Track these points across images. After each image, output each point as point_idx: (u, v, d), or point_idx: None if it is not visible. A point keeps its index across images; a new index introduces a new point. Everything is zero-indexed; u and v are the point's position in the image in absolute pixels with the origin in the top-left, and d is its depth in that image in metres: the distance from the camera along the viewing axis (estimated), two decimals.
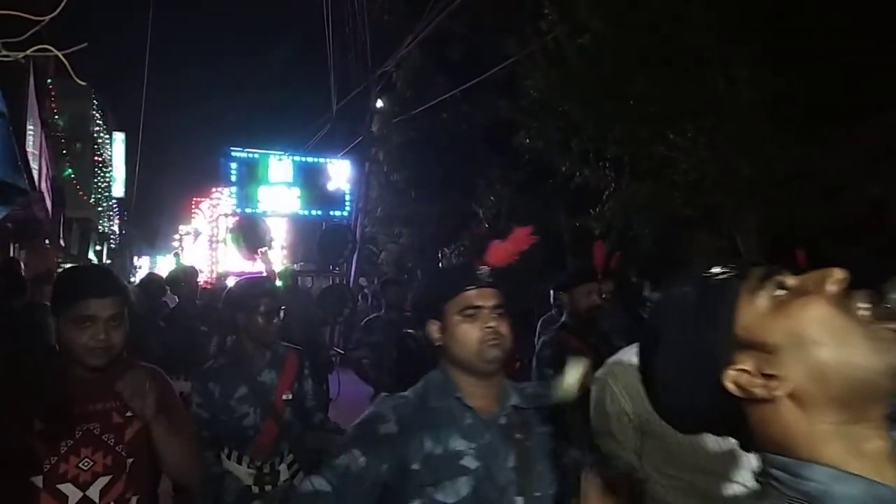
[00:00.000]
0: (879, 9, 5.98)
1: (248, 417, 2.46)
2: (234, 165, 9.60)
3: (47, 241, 12.24)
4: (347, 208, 10.28)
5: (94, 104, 16.35)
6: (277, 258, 10.89)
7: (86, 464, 1.62)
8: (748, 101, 6.46)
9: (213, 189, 14.65)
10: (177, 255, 22.15)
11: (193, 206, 16.24)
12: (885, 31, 6.09)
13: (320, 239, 9.87)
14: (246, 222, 8.22)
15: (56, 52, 0.99)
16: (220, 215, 12.69)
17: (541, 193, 10.66)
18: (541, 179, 9.79)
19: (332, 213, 10.30)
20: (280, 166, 9.98)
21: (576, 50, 6.60)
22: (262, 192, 9.76)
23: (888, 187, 8.66)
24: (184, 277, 5.50)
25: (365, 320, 4.99)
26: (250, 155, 9.87)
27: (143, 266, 27.35)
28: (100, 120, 17.47)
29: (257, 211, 9.48)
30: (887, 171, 8.30)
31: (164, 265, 28.54)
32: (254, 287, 2.65)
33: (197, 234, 16.04)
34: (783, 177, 6.60)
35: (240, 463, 2.48)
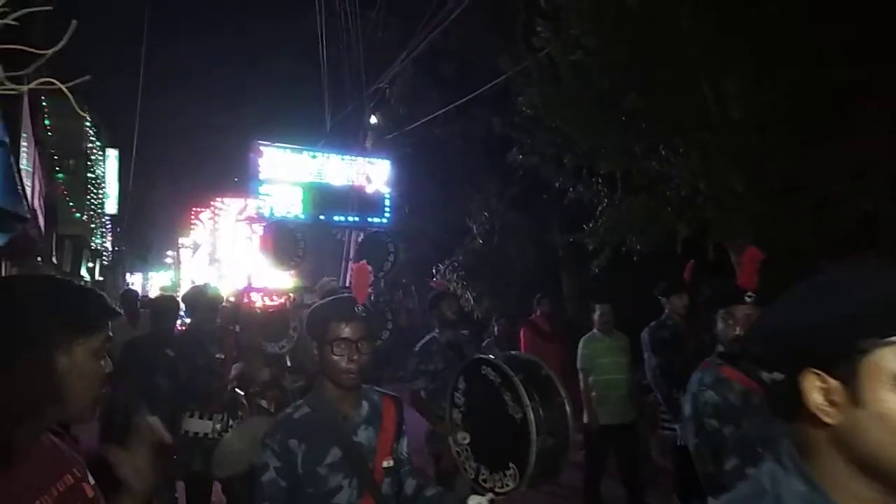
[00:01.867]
0: (865, 25, 6.08)
1: (341, 493, 1.88)
2: (261, 162, 7.89)
3: (39, 259, 12.17)
4: (387, 214, 8.71)
5: (87, 121, 16.37)
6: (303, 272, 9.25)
7: None
8: (738, 116, 6.53)
9: (214, 198, 13.72)
10: (173, 268, 21.86)
11: (193, 217, 15.77)
12: (870, 47, 6.19)
13: (359, 249, 8.43)
14: (277, 229, 7.47)
15: (60, 85, 1.01)
16: (243, 221, 11.31)
17: (535, 209, 10.70)
18: (535, 195, 9.84)
19: (370, 219, 8.65)
20: (313, 164, 8.26)
21: (568, 66, 6.66)
22: (292, 194, 8.06)
23: (879, 201, 8.75)
24: (203, 297, 4.62)
25: (420, 345, 4.33)
26: (282, 148, 8.14)
27: (135, 283, 27.17)
28: (93, 137, 17.48)
29: (287, 216, 7.90)
30: (878, 185, 8.40)
31: (157, 281, 28.34)
32: (331, 310, 2.00)
33: (196, 246, 15.60)
34: (775, 191, 6.66)
35: None
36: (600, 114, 6.69)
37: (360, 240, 9.13)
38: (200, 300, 4.50)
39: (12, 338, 1.15)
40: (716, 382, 2.31)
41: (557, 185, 7.89)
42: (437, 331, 4.33)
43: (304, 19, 12.73)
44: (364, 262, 1.94)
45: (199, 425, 3.80)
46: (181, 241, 17.58)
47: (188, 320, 5.22)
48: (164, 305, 4.69)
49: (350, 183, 8.44)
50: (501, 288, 11.01)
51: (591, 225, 7.62)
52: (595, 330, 5.37)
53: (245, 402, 4.02)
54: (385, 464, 1.96)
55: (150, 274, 31.79)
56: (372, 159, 8.89)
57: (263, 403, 4.07)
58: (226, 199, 12.20)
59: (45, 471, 1.25)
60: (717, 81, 6.48)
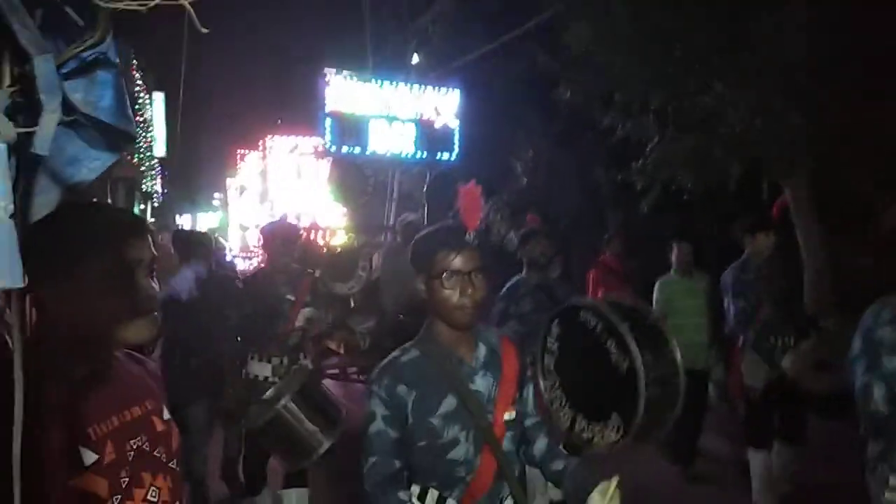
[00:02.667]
0: None
1: (457, 448, 1.69)
2: (328, 92, 7.26)
3: (95, 201, 12.60)
4: (456, 150, 8.08)
5: (133, 64, 16.55)
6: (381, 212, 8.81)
7: (153, 494, 1.23)
8: (795, 58, 6.18)
9: (261, 138, 13.27)
10: (221, 209, 22.17)
11: (239, 159, 15.76)
12: None
13: (429, 186, 7.96)
14: (345, 164, 7.22)
15: (185, 2, 1.01)
16: (310, 155, 10.31)
17: (580, 147, 10.52)
18: (580, 133, 9.65)
19: (439, 155, 7.99)
20: (381, 95, 7.63)
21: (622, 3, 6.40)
22: (362, 127, 7.46)
23: None
24: (276, 234, 4.10)
25: (507, 287, 4.04)
26: (351, 77, 7.50)
27: (184, 224, 27.97)
28: (140, 80, 17.70)
29: (357, 152, 7.41)
30: None
31: (205, 222, 29.07)
32: (438, 239, 1.77)
33: (242, 189, 15.62)
34: (835, 130, 6.37)
35: None
36: (652, 46, 6.44)
37: (432, 177, 8.54)
38: (274, 236, 4.03)
39: (67, 251, 1.12)
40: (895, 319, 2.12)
41: (606, 122, 7.72)
42: (525, 272, 4.03)
43: None
44: (473, 182, 1.77)
45: (258, 368, 3.73)
46: (228, 181, 17.62)
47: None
48: (195, 241, 4.52)
49: (418, 116, 7.86)
50: (546, 227, 10.97)
51: (639, 163, 7.47)
52: (672, 271, 5.04)
53: (311, 346, 3.96)
54: (507, 416, 1.73)
55: (199, 215, 32.54)
56: (442, 89, 8.18)
57: (332, 345, 4.10)
58: (276, 137, 11.78)
59: (108, 398, 1.19)
60: (778, 17, 6.13)
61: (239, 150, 15.64)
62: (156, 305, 1.22)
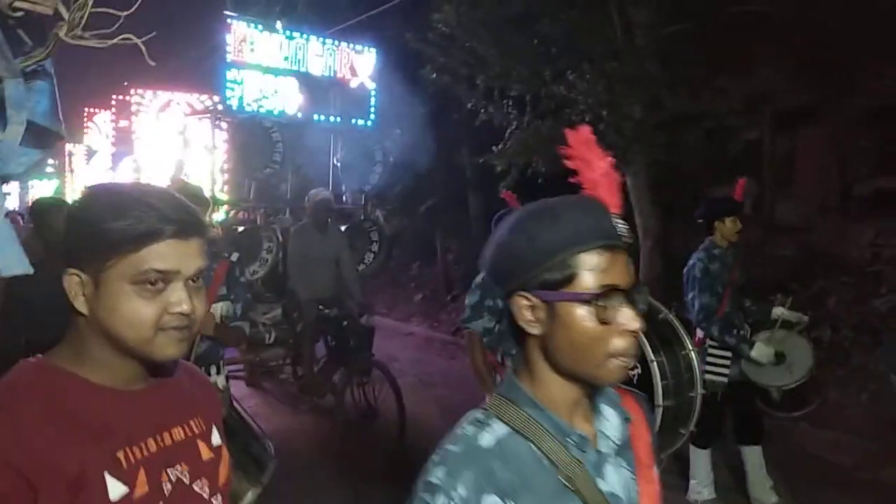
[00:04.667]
0: None
1: None
2: (229, 40, 6.17)
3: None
4: (372, 116, 7.19)
5: None
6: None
7: None
8: (642, 44, 6.78)
9: (118, 94, 11.16)
10: (56, 177, 19.45)
11: (86, 119, 13.86)
12: None
13: (344, 157, 6.89)
14: (249, 126, 6.12)
15: (137, 40, 1.15)
16: (199, 116, 7.68)
17: (445, 128, 10.71)
18: (446, 114, 9.82)
19: (354, 119, 7.01)
20: (289, 48, 6.58)
21: None
22: (265, 85, 6.35)
23: (764, 133, 9.44)
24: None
25: (482, 275, 3.41)
26: (257, 26, 6.40)
27: (11, 193, 25.02)
28: None
29: (263, 112, 6.30)
30: (764, 118, 9.05)
31: (39, 191, 26.17)
32: (569, 222, 1.06)
33: (92, 152, 13.78)
34: (672, 120, 7.05)
35: None
36: (514, 36, 6.72)
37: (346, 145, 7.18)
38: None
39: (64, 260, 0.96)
40: None
41: (469, 105, 7.94)
42: None
43: None
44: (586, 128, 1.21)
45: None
46: (70, 147, 15.54)
47: None
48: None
49: (332, 73, 6.88)
50: (411, 206, 11.12)
51: (499, 146, 7.78)
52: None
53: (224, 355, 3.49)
54: None
55: (30, 184, 29.12)
56: (358, 46, 7.20)
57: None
58: (145, 92, 9.27)
59: (145, 414, 1.00)
60: (626, 10, 6.65)
61: (87, 109, 13.85)
62: (185, 322, 0.97)
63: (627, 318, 0.92)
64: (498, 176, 7.90)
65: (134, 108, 9.62)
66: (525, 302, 0.96)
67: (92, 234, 0.93)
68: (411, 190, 11.30)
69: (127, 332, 0.94)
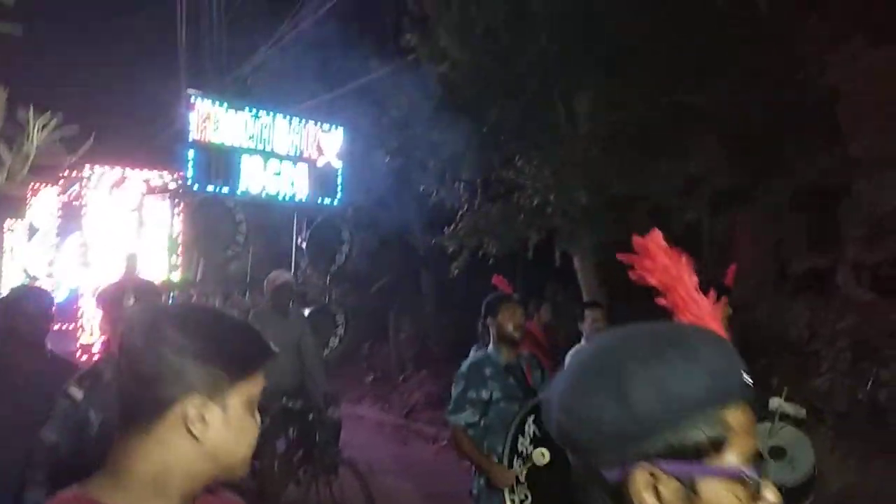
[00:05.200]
0: (703, 57, 6.88)
1: None
2: (191, 118, 6.00)
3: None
4: (339, 195, 7.09)
5: None
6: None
7: None
8: (585, 132, 7.15)
9: (74, 167, 10.52)
10: None
11: (30, 195, 13.30)
12: (706, 77, 7.02)
13: (311, 237, 6.68)
14: (210, 206, 5.86)
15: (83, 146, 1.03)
16: (160, 196, 7.45)
17: (399, 209, 10.89)
18: (399, 195, 10.01)
19: (321, 199, 6.90)
20: (254, 126, 6.45)
21: (436, 76, 6.91)
22: (233, 163, 6.20)
23: (702, 214, 9.92)
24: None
25: (467, 364, 3.30)
26: (221, 104, 6.26)
27: None
28: None
29: (225, 191, 6.08)
30: (702, 200, 9.53)
31: None
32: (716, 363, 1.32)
33: (34, 230, 12.98)
34: (615, 201, 7.35)
35: None
36: (464, 123, 7.00)
37: (311, 228, 7.01)
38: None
39: (157, 385, 0.90)
40: None
41: (422, 188, 8.13)
42: (491, 347, 3.29)
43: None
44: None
45: None
46: (9, 223, 14.80)
47: None
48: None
49: (299, 152, 6.78)
50: (364, 285, 11.10)
51: (451, 228, 7.94)
52: (584, 342, 4.26)
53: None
54: None
55: None
56: (325, 125, 7.16)
57: None
58: (95, 167, 8.66)
59: None
60: (570, 100, 7.04)
61: (32, 184, 13.45)
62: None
63: (773, 495, 0.69)
64: (450, 256, 8.02)
65: (84, 182, 9.15)
66: (648, 478, 0.67)
67: (212, 355, 0.92)
68: (365, 268, 11.31)
69: (246, 451, 0.96)
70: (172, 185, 6.84)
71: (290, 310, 5.23)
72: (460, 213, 7.82)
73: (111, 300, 2.54)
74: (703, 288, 3.38)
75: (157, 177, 9.06)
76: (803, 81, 7.65)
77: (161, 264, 6.21)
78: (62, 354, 3.14)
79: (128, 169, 9.38)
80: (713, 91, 6.91)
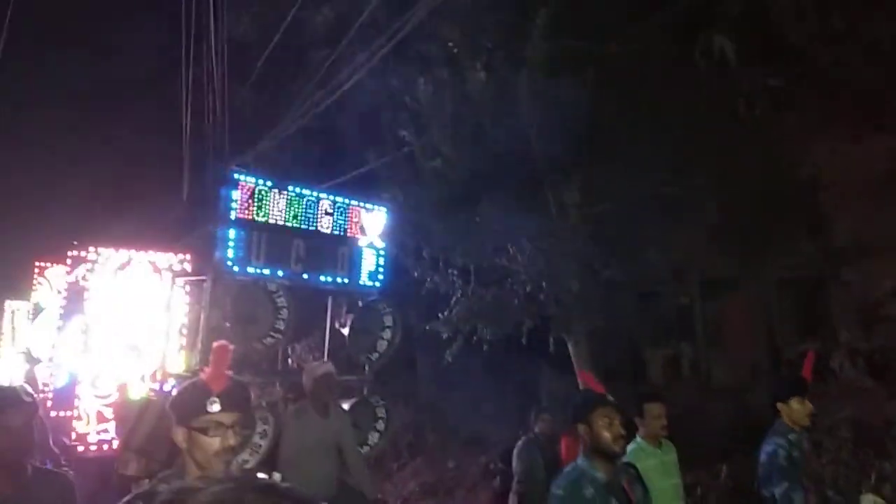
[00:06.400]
0: (676, 151, 7.19)
1: None
2: (234, 197, 5.59)
3: None
4: (381, 276, 6.56)
5: None
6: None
7: None
8: (576, 222, 7.36)
9: (80, 248, 10.13)
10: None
11: (37, 274, 13.09)
12: (687, 166, 7.31)
13: (356, 323, 6.08)
14: (249, 290, 5.35)
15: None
16: (180, 276, 7.11)
17: (394, 295, 10.97)
18: (394, 282, 10.13)
19: (362, 281, 6.36)
20: (297, 205, 6.04)
21: (429, 170, 7.19)
22: (271, 245, 5.74)
23: (693, 298, 10.05)
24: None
25: (565, 478, 2.85)
26: (265, 182, 5.86)
27: None
28: None
29: (266, 273, 5.64)
30: (692, 285, 9.67)
31: None
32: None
33: (39, 310, 12.64)
34: (606, 287, 7.47)
35: None
36: (457, 213, 7.22)
37: (349, 311, 6.42)
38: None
39: None
40: None
41: (416, 274, 8.26)
42: (581, 460, 2.79)
43: (170, 85, 12.46)
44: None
45: None
46: (14, 304, 14.49)
47: None
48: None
49: (342, 232, 6.30)
50: (360, 369, 11.01)
51: (445, 313, 8.00)
52: (640, 439, 3.77)
53: None
54: None
55: None
56: (368, 204, 6.71)
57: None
58: (100, 249, 8.23)
59: None
60: (559, 191, 7.30)
61: (37, 263, 13.40)
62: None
63: None
64: (444, 342, 8.05)
65: (89, 265, 8.98)
66: None
67: None
68: (359, 352, 11.24)
69: None
70: (177, 267, 6.62)
71: (330, 406, 4.69)
72: (454, 298, 7.92)
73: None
74: (787, 385, 3.58)
75: (163, 259, 9.02)
76: (784, 173, 7.97)
77: (167, 348, 5.98)
78: (48, 463, 2.81)
79: (132, 251, 9.28)
80: (694, 183, 7.18)
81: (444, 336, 7.99)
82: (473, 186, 7.05)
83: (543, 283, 7.01)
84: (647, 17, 7.04)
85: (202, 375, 2.04)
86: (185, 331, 5.97)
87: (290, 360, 6.02)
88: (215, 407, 1.88)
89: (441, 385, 7.22)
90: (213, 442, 1.88)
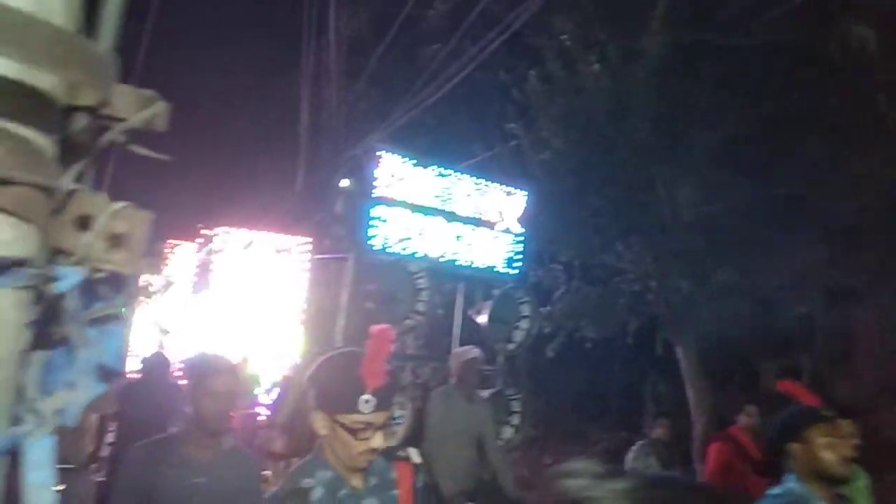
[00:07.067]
0: (805, 148, 6.74)
1: None
2: (377, 174, 5.26)
3: None
4: (518, 263, 6.13)
5: None
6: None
7: None
8: (689, 221, 7.08)
9: (209, 227, 10.51)
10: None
11: (169, 250, 14.21)
12: (809, 169, 6.84)
13: (493, 312, 5.70)
14: (390, 270, 5.19)
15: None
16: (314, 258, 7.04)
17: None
18: None
19: (498, 267, 5.99)
20: (439, 185, 5.72)
21: (537, 163, 7.15)
22: (417, 224, 5.46)
23: (815, 309, 9.37)
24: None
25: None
26: (409, 159, 5.54)
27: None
28: None
29: (407, 254, 5.37)
30: (814, 294, 9.02)
31: None
32: None
33: (168, 283, 13.43)
34: (720, 292, 7.14)
35: None
36: (564, 207, 7.13)
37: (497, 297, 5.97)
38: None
39: None
40: None
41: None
42: (793, 483, 2.29)
43: (287, 84, 13.14)
44: None
45: None
46: (148, 278, 15.60)
47: None
48: None
49: (478, 215, 5.93)
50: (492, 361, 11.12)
51: (547, 308, 7.94)
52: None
53: None
54: None
55: None
56: (507, 187, 6.26)
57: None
58: (230, 230, 8.57)
59: None
60: (672, 188, 7.04)
61: (168, 241, 14.47)
62: None
63: None
64: (546, 337, 8.00)
65: (216, 244, 9.48)
66: None
67: None
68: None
69: None
70: (299, 250, 6.72)
71: (475, 394, 4.52)
72: (557, 293, 7.84)
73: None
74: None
75: (285, 240, 9.32)
76: None
77: (289, 332, 6.08)
78: (242, 443, 2.71)
79: (254, 231, 9.70)
80: (823, 183, 6.71)
81: (546, 331, 7.93)
82: (583, 180, 6.95)
83: (652, 283, 6.80)
84: (775, 7, 6.64)
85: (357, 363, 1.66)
86: (305, 310, 6.12)
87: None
88: (369, 407, 1.59)
89: (540, 380, 7.18)
90: (360, 445, 1.61)
